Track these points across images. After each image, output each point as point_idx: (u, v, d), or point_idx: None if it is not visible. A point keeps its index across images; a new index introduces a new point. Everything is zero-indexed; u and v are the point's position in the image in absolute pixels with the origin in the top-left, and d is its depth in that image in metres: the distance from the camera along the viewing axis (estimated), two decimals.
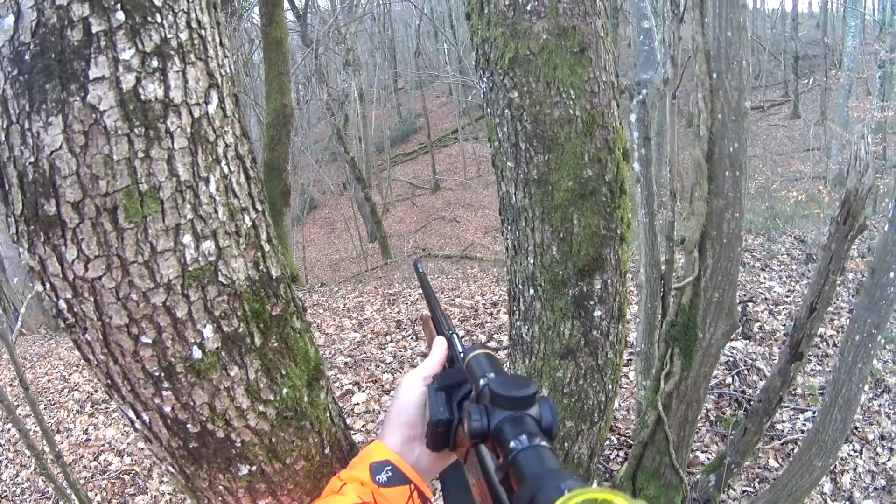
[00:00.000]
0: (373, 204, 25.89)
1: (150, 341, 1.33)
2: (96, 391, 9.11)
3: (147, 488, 6.90)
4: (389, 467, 1.41)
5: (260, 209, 1.47)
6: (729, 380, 7.43)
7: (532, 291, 3.05)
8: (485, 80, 2.88)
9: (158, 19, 1.24)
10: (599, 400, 3.20)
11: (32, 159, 1.21)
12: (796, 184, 22.41)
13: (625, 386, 7.34)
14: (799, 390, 7.24)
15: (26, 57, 1.18)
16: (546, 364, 3.11)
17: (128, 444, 7.76)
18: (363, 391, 7.57)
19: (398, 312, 10.78)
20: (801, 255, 11.85)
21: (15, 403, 8.41)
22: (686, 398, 4.37)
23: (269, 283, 1.47)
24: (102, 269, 1.26)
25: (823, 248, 4.31)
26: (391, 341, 9.30)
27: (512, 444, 1.08)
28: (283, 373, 1.51)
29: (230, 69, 1.43)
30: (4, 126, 1.22)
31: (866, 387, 6.88)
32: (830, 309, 8.59)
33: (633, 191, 5.02)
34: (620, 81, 3.07)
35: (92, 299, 1.29)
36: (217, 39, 1.38)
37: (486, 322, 9.94)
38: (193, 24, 1.30)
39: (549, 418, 1.18)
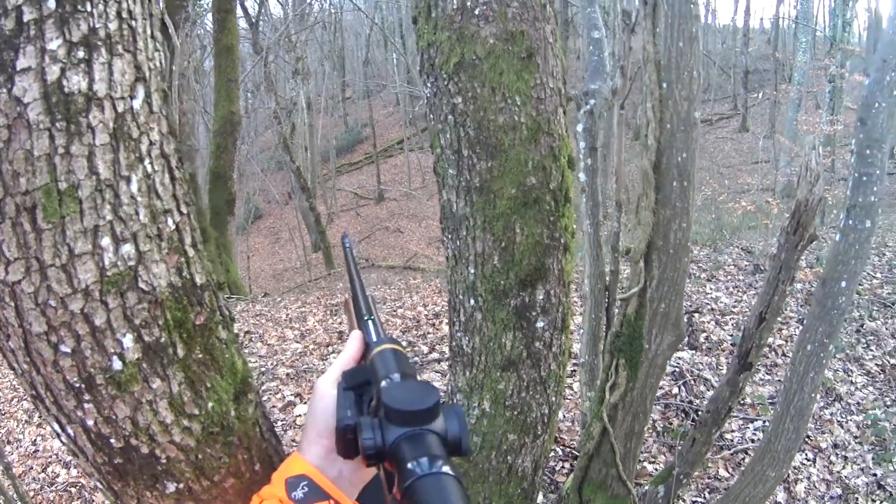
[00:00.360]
0: (317, 214, 25.87)
1: (69, 350, 1.26)
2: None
3: (93, 501, 6.78)
4: (306, 482, 1.30)
5: (185, 212, 1.40)
6: (676, 390, 7.48)
7: (473, 302, 2.98)
8: (429, 85, 2.82)
9: (88, 8, 1.18)
10: (543, 412, 3.15)
11: None
12: (744, 196, 22.75)
13: (569, 397, 7.34)
14: (748, 400, 7.31)
15: None
16: (487, 376, 3.05)
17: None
18: (305, 402, 7.51)
19: (340, 323, 10.76)
20: (748, 265, 11.99)
21: None
22: (632, 409, 4.35)
23: (193, 291, 1.40)
24: (22, 272, 1.20)
25: (773, 258, 4.33)
26: (333, 352, 9.27)
27: (409, 465, 0.97)
28: (209, 386, 1.44)
29: (160, 63, 1.37)
30: None
31: (818, 396, 6.95)
32: (779, 319, 8.68)
33: (578, 201, 5.01)
34: (568, 91, 3.03)
35: (13, 304, 1.23)
36: (148, 31, 1.32)
37: (429, 333, 9.93)
38: (124, 15, 1.24)
39: (457, 431, 1.08)
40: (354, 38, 52.91)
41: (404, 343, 9.26)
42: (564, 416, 7.05)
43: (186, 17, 12.47)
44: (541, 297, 2.93)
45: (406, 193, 34.17)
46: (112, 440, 1.35)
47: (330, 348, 9.44)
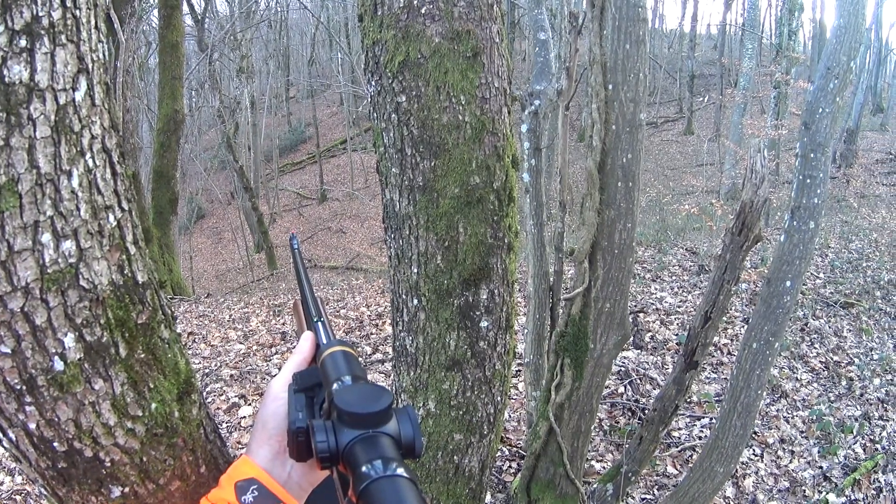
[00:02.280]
0: (260, 214, 25.77)
1: (9, 351, 1.22)
2: None
3: None
4: (256, 486, 1.28)
5: (126, 208, 1.37)
6: (622, 389, 7.55)
7: (416, 301, 2.99)
8: (373, 83, 2.81)
9: None
10: (488, 412, 3.16)
11: None
12: (688, 197, 23.08)
13: (515, 397, 7.37)
14: (695, 398, 7.40)
15: None
16: (432, 376, 3.06)
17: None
18: (249, 404, 7.46)
19: (283, 324, 10.71)
20: (692, 266, 12.16)
21: None
22: (578, 408, 4.38)
23: (135, 289, 1.38)
24: None
25: (718, 258, 4.41)
26: (276, 353, 9.22)
27: (363, 468, 0.96)
28: (152, 386, 1.41)
29: (103, 55, 1.33)
30: None
31: (764, 393, 7.07)
32: (725, 318, 8.83)
33: (521, 201, 5.02)
34: (514, 91, 3.03)
35: None
36: (92, 22, 1.28)
37: (372, 333, 9.93)
38: (68, 3, 1.20)
39: (410, 433, 1.08)
40: (300, 37, 52.73)
41: None
42: (510, 416, 7.08)
43: (132, 12, 12.30)
44: (484, 296, 2.93)
45: (349, 194, 34.15)
46: (55, 444, 1.32)
47: (273, 349, 9.39)
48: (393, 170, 2.83)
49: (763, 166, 4.09)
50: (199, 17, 25.93)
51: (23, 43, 1.14)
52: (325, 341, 1.40)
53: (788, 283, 4.46)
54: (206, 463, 1.59)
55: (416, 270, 2.92)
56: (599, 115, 3.89)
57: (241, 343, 9.85)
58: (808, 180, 4.49)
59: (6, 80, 1.12)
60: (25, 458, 1.37)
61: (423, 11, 2.59)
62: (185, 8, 23.03)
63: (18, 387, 1.25)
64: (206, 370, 8.60)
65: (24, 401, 1.27)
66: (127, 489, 1.42)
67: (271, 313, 11.58)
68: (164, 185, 14.77)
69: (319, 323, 1.47)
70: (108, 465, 1.38)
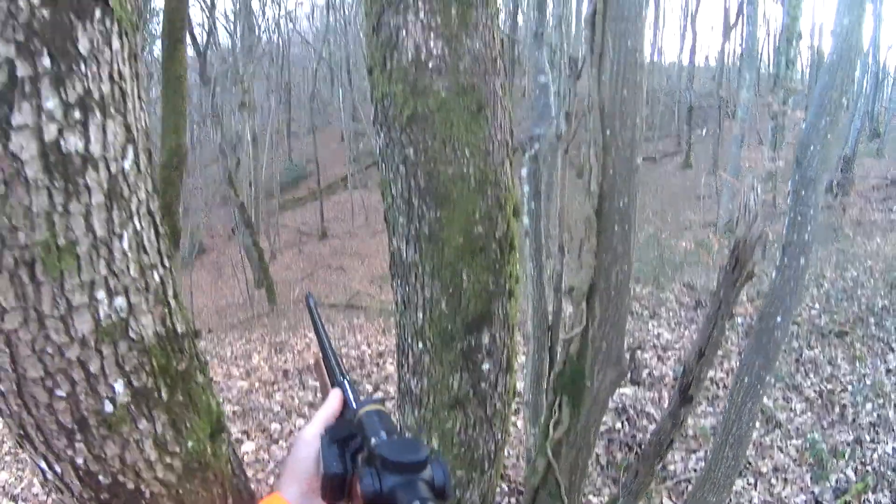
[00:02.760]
0: (260, 250, 25.67)
1: (64, 394, 1.36)
2: None
3: None
4: None
5: (168, 265, 1.52)
6: (619, 425, 7.61)
7: (421, 345, 3.09)
8: (381, 135, 2.93)
9: (83, 69, 1.26)
10: (489, 449, 3.26)
11: None
12: (686, 232, 23.04)
13: (514, 434, 7.43)
14: (691, 432, 7.45)
15: None
16: (435, 416, 3.16)
17: (22, 488, 7.54)
18: (252, 440, 7.53)
19: (285, 361, 10.76)
20: (689, 301, 12.19)
21: None
22: (576, 444, 4.44)
23: (176, 339, 1.52)
24: (19, 321, 1.28)
25: (713, 294, 4.47)
26: (279, 390, 9.29)
27: None
28: (188, 426, 1.55)
29: (146, 123, 1.46)
30: None
31: (758, 423, 7.14)
32: (720, 352, 8.89)
33: (521, 244, 5.13)
34: (515, 134, 3.15)
35: (7, 351, 1.31)
36: (136, 92, 1.41)
37: (373, 372, 9.99)
38: (115, 77, 1.33)
39: (442, 479, 1.26)
40: (301, 72, 52.46)
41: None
42: (510, 453, 7.15)
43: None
44: (486, 340, 3.04)
45: (349, 231, 33.95)
46: (101, 477, 1.45)
47: (275, 386, 9.46)
48: (400, 219, 2.94)
49: (757, 203, 4.18)
50: (202, 50, 25.97)
51: (77, 115, 1.26)
52: (352, 397, 1.59)
53: (779, 319, 4.55)
54: (233, 495, 1.72)
55: (421, 316, 3.02)
56: (597, 159, 3.96)
57: (243, 380, 9.90)
58: (800, 217, 4.57)
59: (63, 150, 1.24)
60: (68, 489, 1.50)
61: (430, 66, 2.71)
62: (187, 40, 23.07)
63: (70, 426, 1.39)
64: None
65: (74, 438, 1.40)
66: None
67: (273, 350, 11.61)
68: (166, 220, 14.34)
69: (346, 382, 1.64)
70: (148, 496, 1.51)
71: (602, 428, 7.17)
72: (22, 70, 1.18)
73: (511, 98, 3.10)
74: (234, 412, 8.42)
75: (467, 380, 3.08)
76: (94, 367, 1.36)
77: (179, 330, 1.53)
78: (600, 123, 3.97)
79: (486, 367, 3.08)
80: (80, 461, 1.43)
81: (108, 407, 1.39)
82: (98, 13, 1.28)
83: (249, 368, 10.49)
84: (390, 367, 9.82)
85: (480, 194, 2.85)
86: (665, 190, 33.10)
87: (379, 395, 8.96)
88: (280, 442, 7.53)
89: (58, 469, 1.46)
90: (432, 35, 2.71)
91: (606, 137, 3.98)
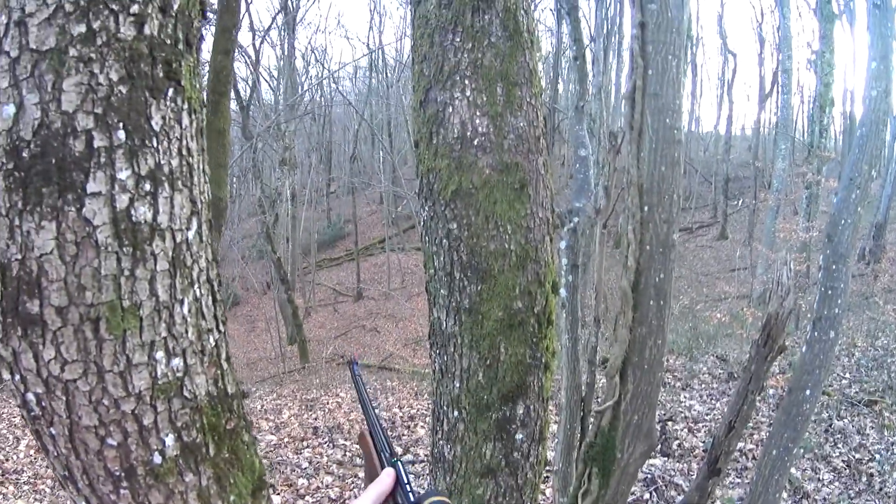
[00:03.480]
0: (295, 306, 25.71)
1: (115, 443, 1.46)
2: (7, 460, 8.88)
3: None
4: None
5: (223, 330, 1.63)
6: (647, 496, 7.55)
7: (456, 413, 3.15)
8: (426, 209, 3.02)
9: (155, 144, 1.39)
10: None
11: (19, 256, 1.33)
12: (721, 304, 22.84)
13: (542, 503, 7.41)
14: (718, 503, 7.38)
15: (24, 154, 1.29)
16: (467, 482, 3.18)
17: None
18: (278, 494, 7.55)
19: (315, 419, 10.78)
20: (722, 373, 12.09)
21: None
22: None
23: (226, 399, 1.61)
24: (79, 372, 1.40)
25: (744, 369, 4.45)
26: (307, 447, 9.31)
27: None
28: (232, 482, 1.64)
29: (209, 195, 1.58)
30: None
31: (786, 494, 7.07)
32: (751, 424, 8.83)
33: (558, 316, 5.17)
34: (554, 214, 3.21)
35: (64, 398, 1.42)
36: (201, 167, 1.53)
37: (403, 435, 9.99)
38: (184, 152, 1.46)
39: None
40: (342, 132, 52.77)
41: None
42: None
43: None
44: (521, 411, 3.11)
45: (385, 293, 33.84)
46: None
47: (305, 443, 9.48)
48: (441, 291, 3.02)
49: (788, 278, 4.20)
50: (245, 105, 26.24)
51: (147, 187, 1.39)
52: (407, 481, 1.56)
53: (808, 392, 4.54)
54: None
55: (458, 385, 3.09)
56: (635, 235, 3.99)
57: (272, 434, 9.94)
58: (830, 291, 4.56)
59: (133, 219, 1.37)
60: None
61: (475, 143, 2.81)
62: (231, 94, 23.28)
63: (118, 473, 1.48)
64: None
65: (120, 485, 1.50)
66: None
67: (304, 407, 11.65)
68: None
69: (399, 464, 1.62)
70: None
71: (630, 498, 7.13)
72: (99, 141, 1.32)
73: (549, 152, 3.18)
74: None
75: (500, 449, 3.13)
76: (147, 420, 1.46)
77: (230, 391, 1.63)
78: (639, 199, 4.03)
79: (519, 437, 3.14)
80: None
81: (158, 459, 1.49)
82: (171, 92, 1.42)
83: (279, 423, 10.52)
84: (421, 431, 9.83)
85: (521, 270, 2.93)
86: (700, 261, 32.85)
87: (409, 457, 8.97)
88: (307, 497, 7.54)
89: None
90: (478, 113, 2.82)
91: (645, 213, 4.02)
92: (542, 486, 7.44)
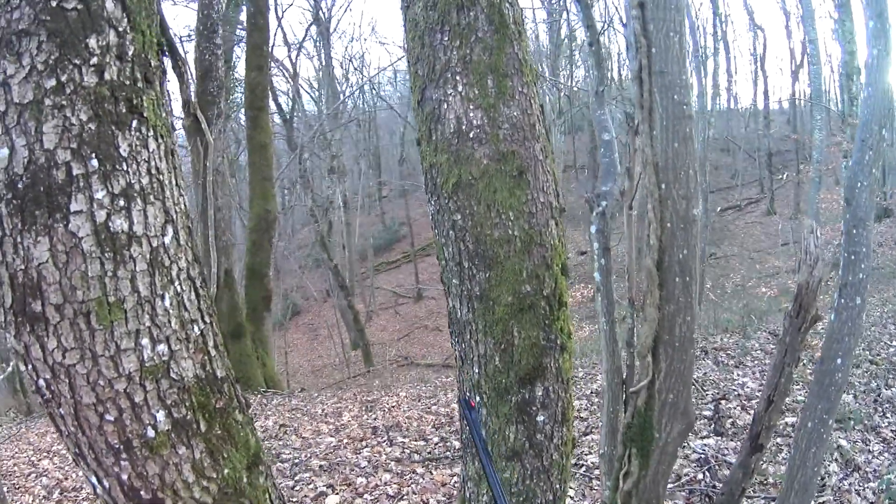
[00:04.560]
0: (355, 312, 25.99)
1: (112, 419, 1.75)
2: (66, 479, 9.14)
3: None
4: None
5: (208, 321, 1.89)
6: (700, 476, 7.57)
7: (478, 398, 3.30)
8: (432, 202, 3.20)
9: (125, 167, 1.72)
10: (547, 499, 3.43)
11: (23, 266, 1.67)
12: (772, 279, 22.66)
13: (596, 488, 7.49)
14: (770, 480, 7.38)
15: (19, 185, 1.63)
16: (494, 466, 3.26)
17: None
18: (337, 493, 7.67)
19: (375, 419, 10.91)
20: (774, 349, 11.98)
21: None
22: (645, 496, 4.50)
23: (215, 382, 1.87)
24: (77, 358, 1.70)
25: (779, 341, 4.51)
26: (366, 446, 9.44)
27: None
28: (225, 456, 1.89)
29: (185, 206, 1.87)
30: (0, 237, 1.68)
31: (836, 467, 7.07)
32: (798, 397, 8.82)
33: (595, 299, 5.28)
34: (559, 196, 3.34)
35: (67, 381, 1.72)
36: (174, 182, 1.83)
37: (464, 430, 10.03)
38: (153, 171, 1.76)
39: None
40: (389, 137, 52.96)
41: (436, 439, 9.48)
42: None
43: (219, 112, 12.96)
44: (540, 393, 3.25)
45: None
46: (142, 493, 1.82)
47: (364, 443, 9.61)
48: (454, 280, 3.19)
49: (817, 246, 4.24)
50: (288, 117, 26.46)
51: (121, 203, 1.71)
52: None
53: (839, 361, 4.55)
54: None
55: (477, 370, 3.25)
56: (654, 214, 4.05)
57: (331, 436, 10.07)
58: (853, 256, 4.55)
59: (111, 229, 1.68)
60: (115, 502, 1.86)
61: (471, 136, 2.98)
62: (273, 106, 23.46)
63: (117, 446, 1.77)
64: (296, 460, 8.89)
65: (120, 457, 1.78)
66: None
67: (364, 409, 11.78)
68: (257, 283, 15.06)
69: None
70: None
71: (683, 479, 7.21)
72: (77, 169, 1.66)
73: (555, 161, 3.32)
74: (320, 466, 8.57)
75: (523, 431, 3.27)
76: (138, 398, 1.74)
77: (219, 374, 1.88)
78: (655, 178, 4.11)
79: (540, 419, 3.27)
80: (125, 477, 1.80)
81: (151, 433, 1.77)
82: (135, 123, 1.76)
83: (339, 426, 10.65)
84: None
85: (527, 255, 3.08)
86: (751, 238, 32.36)
87: None
88: (365, 496, 7.68)
89: (106, 484, 1.83)
90: (471, 106, 2.99)
91: (662, 191, 4.11)
92: (596, 471, 7.56)
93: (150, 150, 1.75)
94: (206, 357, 1.84)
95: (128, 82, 1.71)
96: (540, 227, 3.12)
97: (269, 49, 18.86)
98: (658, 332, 4.23)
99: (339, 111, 30.15)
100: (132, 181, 1.71)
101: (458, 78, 3.02)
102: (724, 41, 42.67)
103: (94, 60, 1.65)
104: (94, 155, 1.66)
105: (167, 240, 1.75)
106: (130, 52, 1.71)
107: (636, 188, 4.88)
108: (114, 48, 1.71)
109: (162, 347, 1.73)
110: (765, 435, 4.66)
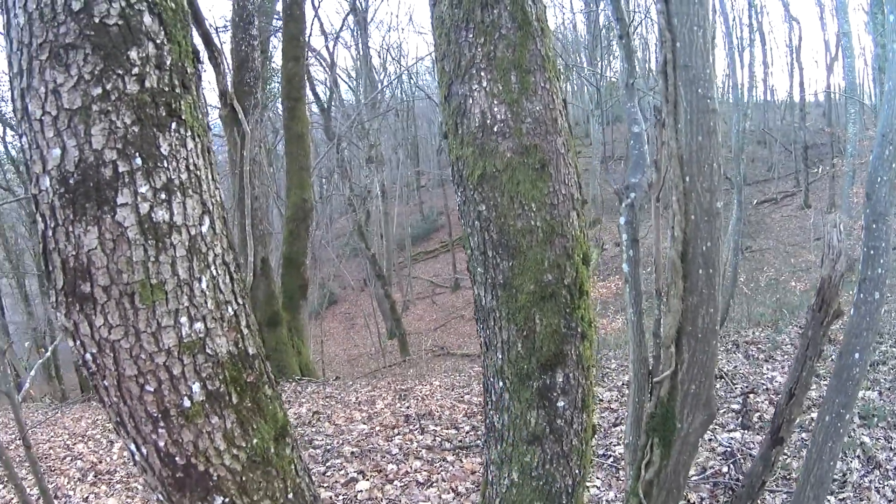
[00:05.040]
0: (392, 301, 26.05)
1: (152, 389, 1.96)
2: (101, 462, 9.29)
3: None
4: None
5: (241, 303, 2.10)
6: (725, 468, 7.59)
7: (501, 384, 3.43)
8: (458, 194, 3.33)
9: (166, 164, 1.93)
10: (566, 483, 3.56)
11: (74, 252, 1.89)
12: (806, 274, 22.52)
13: (623, 479, 7.55)
14: (794, 474, 7.38)
15: (70, 181, 1.86)
16: (515, 450, 3.47)
17: None
18: (367, 479, 7.73)
19: (408, 407, 10.99)
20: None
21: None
22: (666, 486, 4.55)
23: (246, 358, 2.06)
24: (121, 334, 1.92)
25: (801, 335, 4.58)
26: (398, 434, 9.52)
27: None
28: (255, 427, 2.08)
29: (220, 198, 2.09)
30: (52, 226, 1.90)
31: (858, 464, 7.10)
32: (823, 393, 8.83)
33: (622, 290, 5.36)
34: (580, 188, 3.45)
35: (111, 355, 1.94)
36: (209, 176, 2.05)
37: None
38: (191, 167, 1.98)
39: None
40: (427, 126, 52.69)
41: (467, 427, 9.58)
42: (616, 496, 7.26)
43: (256, 102, 13.13)
44: (560, 379, 3.37)
45: None
46: (177, 458, 2.02)
47: (396, 430, 9.69)
48: (478, 269, 3.34)
49: (840, 241, 4.29)
50: (325, 106, 26.50)
51: (163, 196, 1.92)
52: None
53: (857, 356, 4.63)
54: (294, 492, 2.25)
55: (500, 356, 3.38)
56: (679, 206, 4.09)
57: (364, 423, 10.13)
58: (872, 251, 4.65)
59: (154, 220, 1.90)
60: (151, 469, 2.08)
61: (495, 130, 3.11)
62: (310, 96, 23.46)
63: (155, 414, 1.97)
64: (328, 447, 9.03)
65: (158, 425, 1.98)
66: (227, 500, 2.10)
67: (397, 397, 11.84)
68: (293, 271, 15.18)
69: None
70: (216, 478, 2.07)
71: (708, 471, 7.28)
72: (122, 167, 1.88)
73: (576, 154, 3.44)
74: (351, 453, 8.71)
75: (544, 416, 3.39)
76: (176, 371, 1.95)
77: (251, 351, 2.08)
78: (680, 170, 4.17)
79: (561, 404, 3.40)
80: (161, 444, 2.01)
81: (187, 402, 1.98)
82: (174, 125, 1.97)
83: (372, 413, 10.70)
84: None
85: (548, 245, 3.20)
86: (787, 231, 31.97)
87: None
88: (395, 482, 7.75)
89: (144, 451, 2.04)
90: (495, 101, 3.13)
91: (686, 184, 4.16)
92: (622, 462, 7.64)
93: (188, 149, 1.97)
94: (238, 335, 2.03)
95: (167, 88, 1.93)
96: (561, 219, 3.24)
97: (306, 39, 18.88)
98: (681, 323, 4.30)
99: (377, 101, 30.17)
100: (172, 177, 1.93)
101: (482, 74, 3.14)
102: (760, 32, 42.20)
103: (136, 70, 1.88)
104: (137, 154, 1.88)
105: (204, 229, 1.97)
106: (168, 62, 1.94)
107: (663, 180, 4.95)
108: (153, 59, 1.92)
109: (199, 325, 1.94)
110: (786, 428, 4.74)
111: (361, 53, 33.11)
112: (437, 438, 9.23)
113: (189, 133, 1.98)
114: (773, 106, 49.53)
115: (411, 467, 8.24)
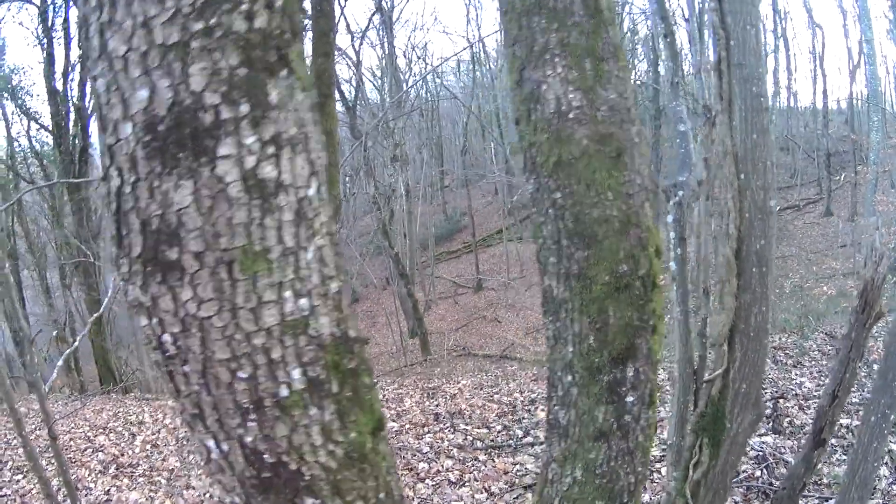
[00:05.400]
0: (415, 300, 25.98)
1: (245, 376, 1.62)
2: (122, 455, 9.21)
3: None
4: None
5: (343, 280, 1.77)
6: (758, 472, 7.47)
7: (570, 378, 3.20)
8: (532, 181, 3.11)
9: (274, 115, 1.56)
10: (629, 481, 3.31)
11: (160, 212, 1.52)
12: (828, 281, 22.42)
13: (657, 480, 7.41)
14: (824, 480, 7.26)
15: (160, 128, 1.49)
16: (581, 446, 3.25)
17: None
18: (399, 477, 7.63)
19: (437, 406, 10.91)
20: (831, 350, 11.84)
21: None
22: (713, 486, 4.45)
23: (347, 342, 1.75)
24: (214, 310, 1.57)
25: (844, 337, 4.43)
26: (428, 432, 9.43)
27: None
28: (353, 419, 1.77)
29: (325, 161, 1.74)
30: (132, 181, 1.54)
31: (886, 471, 6.93)
32: (854, 399, 8.66)
33: (668, 289, 5.20)
34: (659, 182, 3.28)
35: (199, 335, 1.59)
36: (316, 136, 1.69)
37: (524, 418, 10.03)
38: (300, 123, 1.62)
39: None
40: (452, 127, 53.02)
41: (498, 427, 9.43)
42: (651, 499, 7.12)
43: None
44: (631, 373, 3.14)
45: (504, 283, 33.61)
46: (266, 456, 1.68)
47: (426, 429, 9.61)
48: (551, 259, 3.10)
49: (881, 244, 4.19)
50: (351, 105, 26.48)
51: (271, 150, 1.55)
52: None
53: None
54: (385, 492, 1.91)
55: (570, 350, 3.15)
56: (733, 204, 4.02)
57: (393, 421, 10.07)
58: None
59: (259, 176, 1.54)
60: (230, 468, 1.74)
61: (570, 116, 2.89)
62: (336, 95, 23.48)
63: (246, 406, 1.64)
64: None
65: (248, 417, 1.65)
66: (318, 501, 1.76)
67: (425, 395, 11.79)
68: None
69: None
70: (308, 478, 1.73)
71: (741, 475, 7.10)
72: (226, 113, 1.50)
73: (658, 142, 3.25)
74: None
75: (612, 412, 3.17)
76: (276, 354, 1.61)
77: (351, 334, 1.76)
78: (734, 168, 4.06)
79: (629, 399, 3.17)
80: (248, 439, 1.67)
81: (285, 391, 1.64)
82: (284, 73, 1.60)
83: (401, 411, 10.64)
84: (541, 414, 9.80)
85: (624, 235, 2.98)
86: (809, 239, 31.94)
87: (529, 438, 9.05)
88: (426, 481, 7.65)
89: (224, 447, 1.70)
90: (570, 88, 2.90)
91: (741, 181, 4.06)
92: (658, 465, 7.45)
93: (298, 101, 1.62)
94: (340, 316, 1.73)
95: (277, 31, 1.57)
96: (636, 209, 3.02)
97: (334, 36, 18.86)
98: (734, 322, 4.19)
99: (403, 100, 30.20)
100: (281, 130, 1.57)
101: (556, 60, 2.93)
102: (784, 38, 42.35)
103: (244, 7, 1.51)
104: (244, 99, 1.52)
105: (311, 192, 1.62)
106: (278, 3, 1.60)
107: (714, 178, 4.82)
108: None
109: (304, 302, 1.60)
110: (828, 430, 4.63)
111: (387, 52, 33.28)
112: (468, 437, 9.12)
113: (299, 84, 1.64)
114: (796, 112, 49.59)
115: (443, 466, 8.13)
